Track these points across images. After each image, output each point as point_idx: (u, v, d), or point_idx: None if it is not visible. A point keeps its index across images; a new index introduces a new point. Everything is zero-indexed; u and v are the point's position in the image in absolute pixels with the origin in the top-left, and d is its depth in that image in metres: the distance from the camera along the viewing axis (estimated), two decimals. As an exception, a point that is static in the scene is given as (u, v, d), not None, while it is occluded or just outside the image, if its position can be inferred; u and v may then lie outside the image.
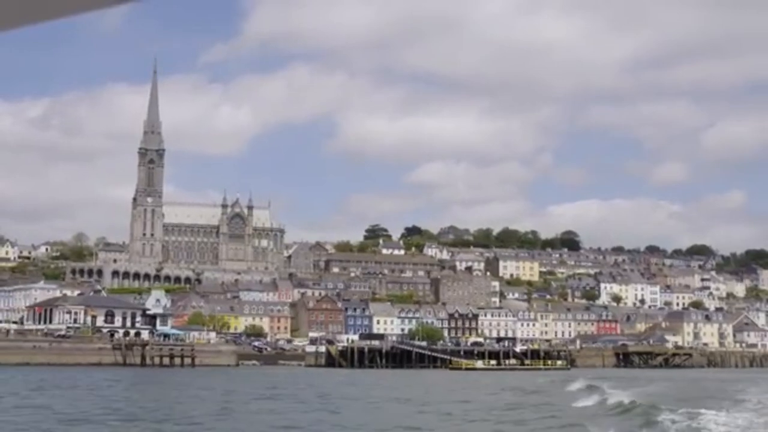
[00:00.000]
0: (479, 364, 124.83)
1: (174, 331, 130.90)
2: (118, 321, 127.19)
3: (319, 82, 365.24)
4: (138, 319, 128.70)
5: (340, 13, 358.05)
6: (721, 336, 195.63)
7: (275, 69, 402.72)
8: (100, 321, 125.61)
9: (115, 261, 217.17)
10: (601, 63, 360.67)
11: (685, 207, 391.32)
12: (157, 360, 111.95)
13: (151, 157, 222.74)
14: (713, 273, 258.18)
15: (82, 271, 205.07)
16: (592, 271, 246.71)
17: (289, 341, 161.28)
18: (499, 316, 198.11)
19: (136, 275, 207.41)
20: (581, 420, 43.67)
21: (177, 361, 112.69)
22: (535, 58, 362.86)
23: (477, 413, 49.94)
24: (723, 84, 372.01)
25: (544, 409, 51.45)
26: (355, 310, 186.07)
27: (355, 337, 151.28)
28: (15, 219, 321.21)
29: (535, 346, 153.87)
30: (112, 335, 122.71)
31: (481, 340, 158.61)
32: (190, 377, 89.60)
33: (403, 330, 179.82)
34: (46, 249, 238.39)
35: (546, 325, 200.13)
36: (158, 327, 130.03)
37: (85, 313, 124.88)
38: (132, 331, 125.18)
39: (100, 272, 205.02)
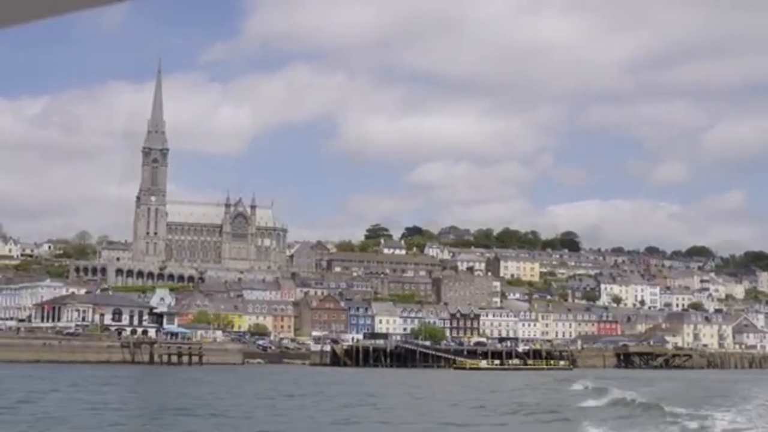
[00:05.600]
0: (483, 363, 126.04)
1: (181, 329, 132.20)
2: (125, 319, 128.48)
3: (319, 82, 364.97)
4: (145, 317, 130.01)
5: (341, 12, 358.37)
6: (721, 337, 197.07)
7: (275, 68, 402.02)
8: (107, 319, 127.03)
9: (118, 259, 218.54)
10: (601, 63, 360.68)
11: (684, 207, 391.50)
12: (165, 358, 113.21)
13: (155, 157, 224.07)
14: (712, 275, 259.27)
15: (86, 270, 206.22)
16: (592, 272, 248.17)
17: (292, 340, 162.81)
18: (501, 316, 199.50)
19: (140, 274, 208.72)
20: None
21: (185, 359, 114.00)
22: (535, 58, 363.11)
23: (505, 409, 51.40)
24: (723, 84, 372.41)
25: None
26: (357, 309, 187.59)
27: (359, 336, 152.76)
28: (15, 217, 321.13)
29: (537, 347, 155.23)
30: (119, 333, 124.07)
31: (483, 340, 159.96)
32: (203, 375, 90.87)
33: (405, 330, 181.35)
34: (49, 247, 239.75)
35: (547, 325, 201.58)
36: (165, 325, 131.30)
37: (93, 312, 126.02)
38: (139, 330, 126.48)
39: (104, 270, 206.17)
